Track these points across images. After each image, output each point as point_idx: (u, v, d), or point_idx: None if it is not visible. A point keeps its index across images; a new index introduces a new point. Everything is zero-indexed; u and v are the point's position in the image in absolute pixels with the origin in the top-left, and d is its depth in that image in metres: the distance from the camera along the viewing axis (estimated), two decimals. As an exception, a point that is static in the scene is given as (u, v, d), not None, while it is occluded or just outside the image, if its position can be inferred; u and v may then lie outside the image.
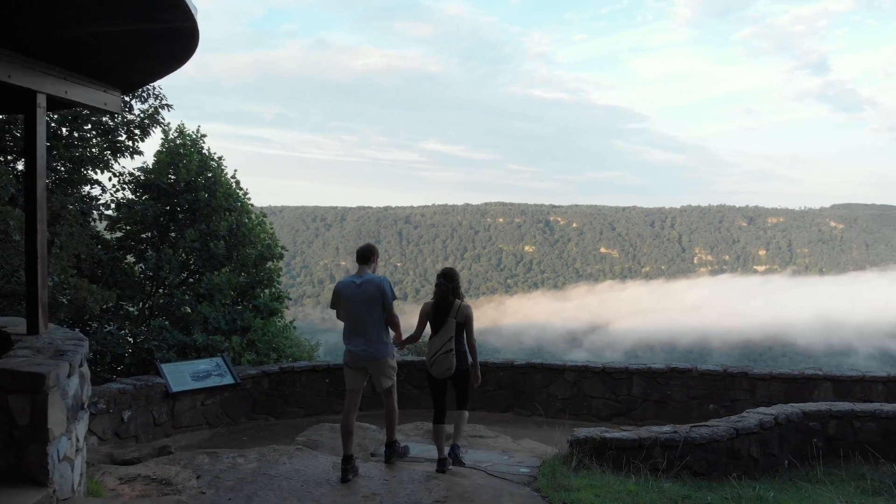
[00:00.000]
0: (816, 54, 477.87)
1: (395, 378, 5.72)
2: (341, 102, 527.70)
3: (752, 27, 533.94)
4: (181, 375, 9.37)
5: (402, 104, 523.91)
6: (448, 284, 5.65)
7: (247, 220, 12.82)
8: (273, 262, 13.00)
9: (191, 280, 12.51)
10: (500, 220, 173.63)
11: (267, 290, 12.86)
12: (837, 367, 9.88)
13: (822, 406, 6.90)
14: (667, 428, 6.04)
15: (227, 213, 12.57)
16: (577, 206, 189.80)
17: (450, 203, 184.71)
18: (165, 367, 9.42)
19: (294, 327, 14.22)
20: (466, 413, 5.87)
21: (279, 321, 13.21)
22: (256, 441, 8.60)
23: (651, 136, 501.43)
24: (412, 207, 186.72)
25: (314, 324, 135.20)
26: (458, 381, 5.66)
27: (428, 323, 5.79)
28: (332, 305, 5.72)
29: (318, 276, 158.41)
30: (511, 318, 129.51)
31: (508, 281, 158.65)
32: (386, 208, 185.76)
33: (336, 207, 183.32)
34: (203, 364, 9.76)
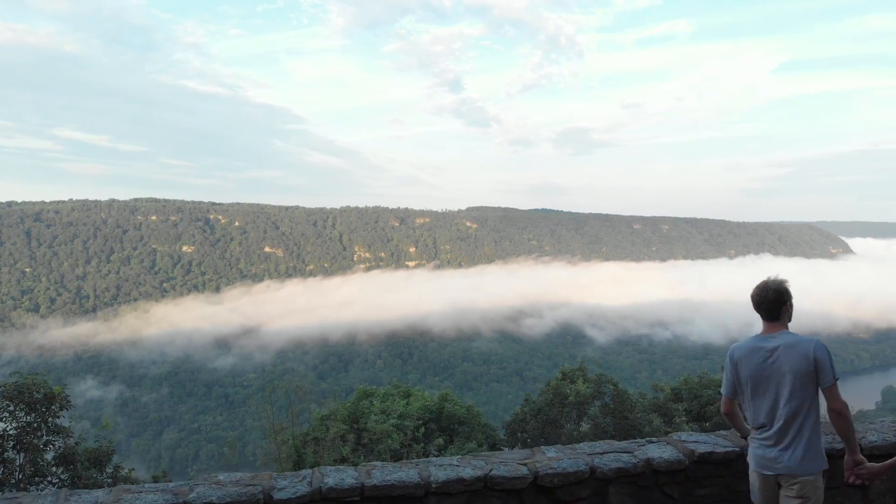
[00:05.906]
0: (453, 73, 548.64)
1: None
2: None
3: (399, 43, 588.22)
4: None
5: (32, 85, 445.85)
6: None
7: None
8: None
9: None
10: (154, 217, 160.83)
11: None
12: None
13: None
14: None
15: None
16: (239, 204, 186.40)
17: (92, 198, 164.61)
18: None
19: None
20: None
21: None
22: None
23: (309, 139, 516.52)
24: (44, 203, 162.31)
25: None
26: None
27: None
28: (725, 388, 3.91)
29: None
30: (155, 327, 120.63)
31: (165, 284, 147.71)
32: (9, 203, 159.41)
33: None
34: None
